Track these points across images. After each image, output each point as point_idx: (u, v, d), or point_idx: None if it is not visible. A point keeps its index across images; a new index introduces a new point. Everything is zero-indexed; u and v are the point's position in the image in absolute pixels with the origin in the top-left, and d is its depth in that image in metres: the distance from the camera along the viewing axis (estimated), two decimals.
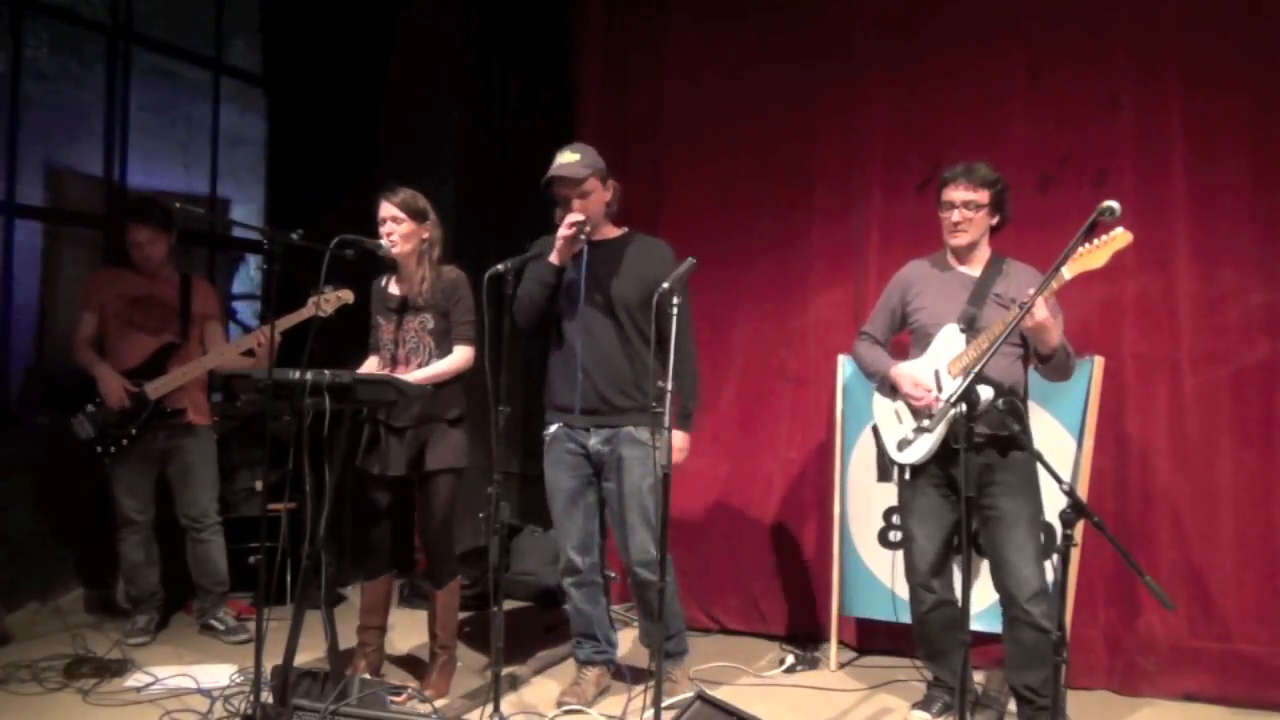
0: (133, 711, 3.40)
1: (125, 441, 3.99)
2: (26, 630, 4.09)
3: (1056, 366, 3.12)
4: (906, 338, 3.45)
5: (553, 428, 3.53)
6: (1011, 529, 3.13)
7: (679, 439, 3.39)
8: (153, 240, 4.08)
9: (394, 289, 3.56)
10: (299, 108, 5.47)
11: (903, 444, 3.31)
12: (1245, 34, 3.68)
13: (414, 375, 3.41)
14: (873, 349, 3.45)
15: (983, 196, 3.23)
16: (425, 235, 3.50)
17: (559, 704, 3.53)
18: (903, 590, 3.93)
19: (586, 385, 3.41)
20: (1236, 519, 3.69)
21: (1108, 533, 2.57)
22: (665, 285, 2.91)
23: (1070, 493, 2.57)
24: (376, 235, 3.44)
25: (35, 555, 4.24)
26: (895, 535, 4.02)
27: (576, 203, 3.36)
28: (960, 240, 3.27)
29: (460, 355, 3.50)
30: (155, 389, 4.00)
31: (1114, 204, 2.65)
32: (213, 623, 4.18)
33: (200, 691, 3.50)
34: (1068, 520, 2.54)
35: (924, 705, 3.46)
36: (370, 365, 3.60)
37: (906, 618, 3.88)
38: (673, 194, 3.92)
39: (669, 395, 2.90)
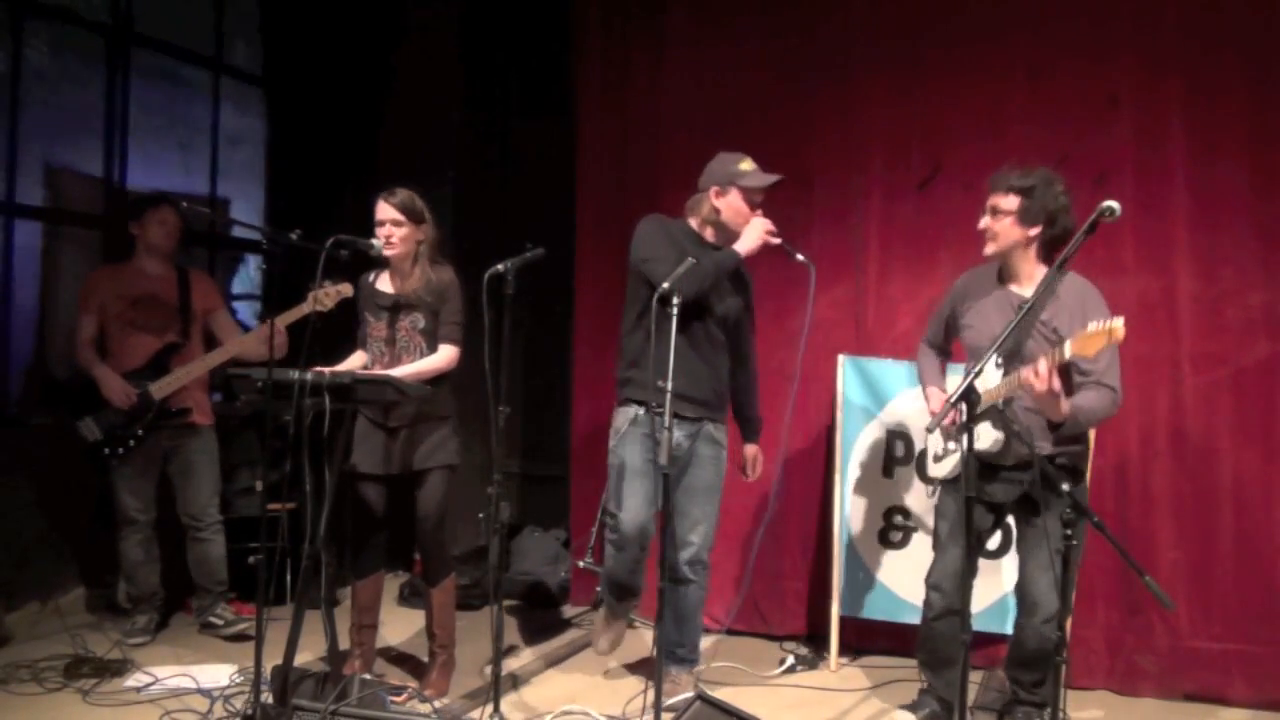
0: (133, 711, 3.40)
1: (132, 443, 3.99)
2: (26, 630, 4.08)
3: (1066, 429, 3.00)
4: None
5: (637, 413, 3.54)
6: (1040, 547, 3.07)
7: (757, 453, 3.74)
8: (177, 225, 4.17)
9: (385, 287, 3.56)
10: (299, 108, 5.46)
11: (937, 457, 3.33)
12: (1245, 34, 3.68)
13: (396, 373, 3.40)
14: (925, 358, 3.47)
15: (1008, 202, 3.04)
16: (421, 237, 3.52)
17: (599, 652, 3.74)
18: (903, 590, 3.96)
19: (679, 381, 3.39)
20: (1236, 519, 3.69)
21: (1108, 533, 2.57)
22: (665, 285, 3.06)
23: (1070, 493, 2.57)
24: (372, 234, 3.45)
25: (35, 555, 4.24)
26: (895, 535, 4.03)
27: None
28: (987, 249, 3.14)
29: (445, 354, 3.51)
30: (159, 389, 4.00)
31: (1114, 204, 2.63)
32: (211, 619, 4.17)
33: (200, 691, 3.50)
34: (1068, 520, 2.54)
35: (911, 708, 3.43)
36: (354, 361, 3.60)
37: (906, 618, 3.90)
38: (672, 194, 3.91)
39: (669, 395, 3.00)
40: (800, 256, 3.37)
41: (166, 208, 4.14)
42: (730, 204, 3.48)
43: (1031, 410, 3.03)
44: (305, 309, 3.70)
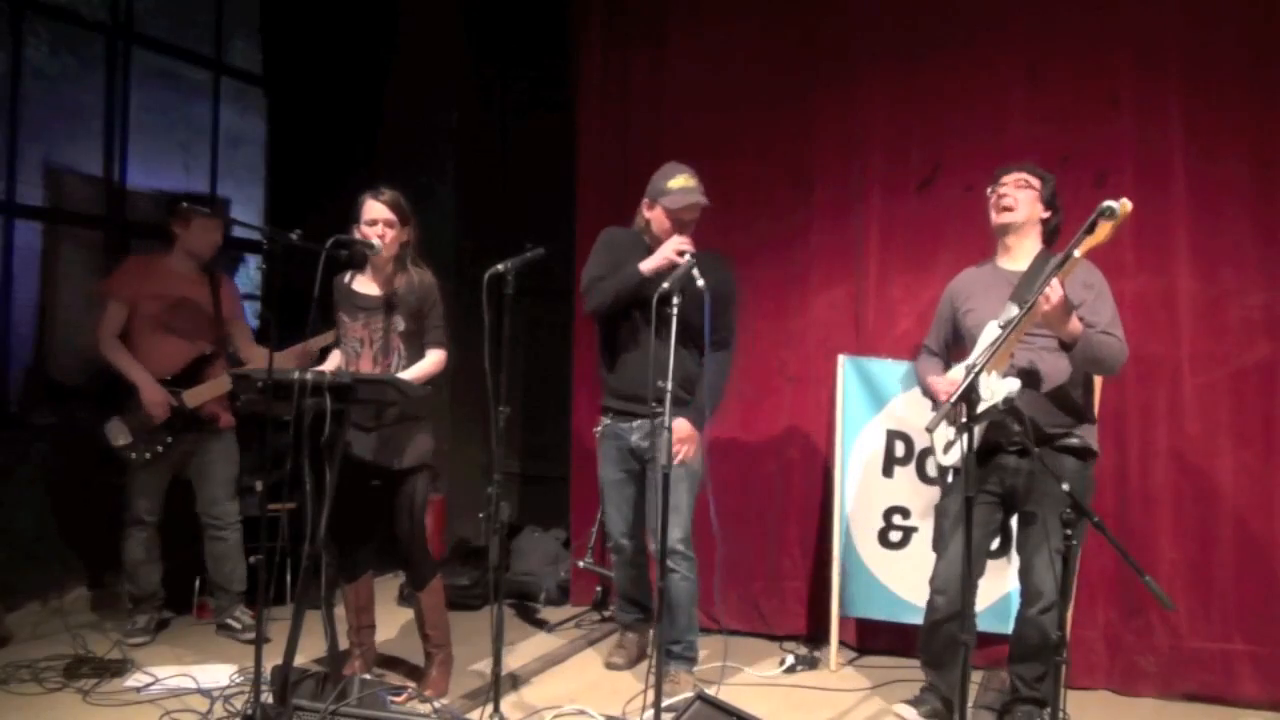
0: (133, 711, 3.40)
1: (160, 449, 3.98)
2: (27, 630, 4.09)
3: (1080, 357, 3.06)
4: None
5: (603, 424, 3.76)
6: (1044, 539, 3.07)
7: (683, 428, 3.52)
8: (222, 237, 4.21)
9: (364, 288, 3.51)
10: (299, 108, 5.47)
11: (948, 446, 3.31)
12: (1245, 33, 3.69)
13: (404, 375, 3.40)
14: (926, 362, 3.47)
15: (1035, 181, 3.23)
16: (406, 238, 3.50)
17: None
18: (903, 590, 3.95)
19: (636, 381, 3.52)
20: (1236, 519, 3.69)
21: (1108, 533, 2.57)
22: (665, 285, 3.08)
23: (1070, 493, 2.57)
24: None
25: (36, 555, 4.24)
26: (895, 535, 4.03)
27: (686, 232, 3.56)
28: (1006, 217, 3.22)
29: (436, 359, 3.50)
30: (193, 397, 3.99)
31: (1114, 204, 2.66)
32: (229, 621, 4.18)
33: (200, 691, 3.50)
34: (1068, 520, 2.55)
35: (914, 703, 3.43)
36: (331, 364, 3.57)
37: (906, 618, 3.90)
38: None
39: (669, 396, 3.01)
40: (701, 283, 3.31)
41: (216, 220, 4.15)
42: (656, 218, 3.61)
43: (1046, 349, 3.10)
44: (334, 335, 3.68)
